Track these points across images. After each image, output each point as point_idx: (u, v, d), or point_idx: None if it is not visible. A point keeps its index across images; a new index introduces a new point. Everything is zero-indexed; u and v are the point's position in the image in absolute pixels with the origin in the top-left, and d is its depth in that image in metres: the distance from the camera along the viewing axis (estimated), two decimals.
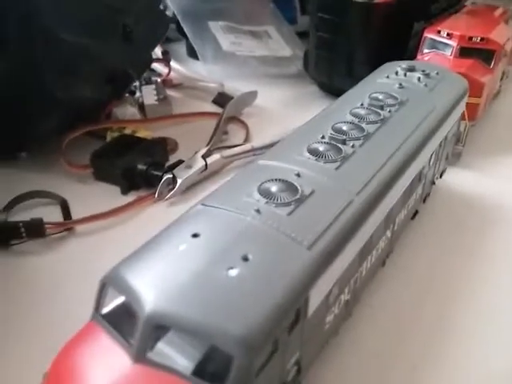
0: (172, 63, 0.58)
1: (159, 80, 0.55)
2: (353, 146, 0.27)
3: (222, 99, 0.54)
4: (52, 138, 0.44)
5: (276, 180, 0.24)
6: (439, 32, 0.46)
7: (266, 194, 0.23)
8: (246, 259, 0.19)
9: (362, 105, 0.32)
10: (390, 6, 0.49)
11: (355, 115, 0.30)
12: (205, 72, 0.58)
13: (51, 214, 0.38)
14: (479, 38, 0.44)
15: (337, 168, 0.26)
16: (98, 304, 0.20)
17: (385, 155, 0.28)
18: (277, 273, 0.20)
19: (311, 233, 0.22)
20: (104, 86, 0.44)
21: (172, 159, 0.45)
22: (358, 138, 0.28)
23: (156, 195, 0.40)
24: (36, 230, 0.35)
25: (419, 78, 0.35)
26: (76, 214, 0.38)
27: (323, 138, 0.28)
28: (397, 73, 0.36)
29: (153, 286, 0.18)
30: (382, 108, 0.31)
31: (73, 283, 0.33)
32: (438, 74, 0.37)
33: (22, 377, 0.26)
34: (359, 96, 0.33)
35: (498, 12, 0.51)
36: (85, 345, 0.19)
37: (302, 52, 0.61)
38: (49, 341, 0.28)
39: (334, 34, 0.50)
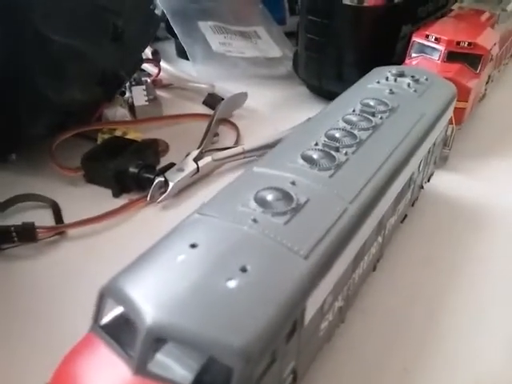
0: (162, 63, 0.57)
1: (149, 80, 0.55)
2: (346, 154, 0.28)
3: (212, 100, 0.54)
4: (43, 139, 0.44)
5: (272, 189, 0.24)
6: (427, 36, 0.46)
7: (262, 202, 0.23)
8: (244, 270, 0.20)
9: (353, 111, 0.32)
10: (378, 9, 0.49)
11: (347, 122, 0.31)
12: (194, 72, 0.58)
13: (43, 218, 0.38)
14: (467, 43, 0.45)
15: (331, 176, 0.26)
16: (97, 315, 0.20)
17: (377, 162, 0.28)
18: (275, 283, 0.20)
19: (307, 242, 0.22)
20: (95, 88, 0.44)
21: (163, 161, 0.45)
22: (350, 146, 0.29)
23: (148, 198, 0.40)
24: (28, 234, 0.35)
25: (409, 84, 0.36)
26: (67, 216, 0.38)
27: (317, 144, 0.28)
28: (387, 78, 0.37)
29: (152, 298, 0.19)
30: (373, 115, 0.32)
31: (65, 287, 0.33)
32: (427, 79, 0.37)
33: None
34: (351, 102, 0.34)
35: (484, 16, 0.52)
36: (85, 357, 0.19)
37: (291, 52, 0.62)
38: (41, 345, 0.29)
39: (323, 36, 0.51)
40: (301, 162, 0.27)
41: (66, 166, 0.43)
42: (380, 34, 0.51)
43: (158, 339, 0.18)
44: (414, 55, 0.48)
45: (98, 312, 0.20)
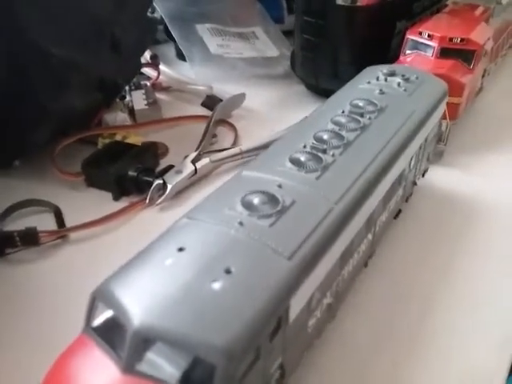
0: (161, 66, 0.58)
1: (148, 84, 0.56)
2: (333, 155, 0.29)
3: (210, 102, 0.54)
4: (45, 146, 0.45)
5: (258, 192, 0.25)
6: (420, 33, 0.47)
7: (248, 206, 0.24)
8: (228, 272, 0.21)
9: (343, 112, 0.33)
10: (372, 8, 0.49)
11: (336, 123, 0.32)
12: (193, 75, 0.59)
13: (45, 222, 0.39)
14: (459, 39, 0.45)
15: (317, 177, 0.27)
16: (89, 317, 0.21)
17: (364, 162, 0.29)
18: (258, 284, 0.21)
19: (291, 243, 0.23)
20: (93, 95, 0.45)
21: (163, 163, 0.46)
22: (338, 147, 0.29)
23: (147, 201, 0.41)
24: (30, 238, 0.37)
25: (399, 83, 0.36)
26: (69, 220, 0.39)
27: (305, 147, 0.29)
28: (378, 78, 0.37)
29: (140, 301, 0.19)
30: (362, 115, 0.32)
31: (68, 290, 0.34)
32: (417, 78, 0.38)
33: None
34: (341, 103, 0.34)
35: (478, 11, 0.52)
36: (76, 357, 0.20)
37: (289, 51, 0.62)
38: (45, 347, 0.30)
39: (318, 36, 0.51)
40: (289, 164, 0.28)
41: (67, 171, 0.44)
42: (374, 33, 0.51)
43: (145, 340, 0.19)
44: (408, 52, 0.48)
45: (90, 314, 0.21)
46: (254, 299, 0.20)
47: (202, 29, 0.60)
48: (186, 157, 0.45)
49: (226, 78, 0.59)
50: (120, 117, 0.50)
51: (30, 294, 0.34)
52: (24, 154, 0.45)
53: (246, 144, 0.47)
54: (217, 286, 0.20)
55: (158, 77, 0.57)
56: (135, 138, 0.48)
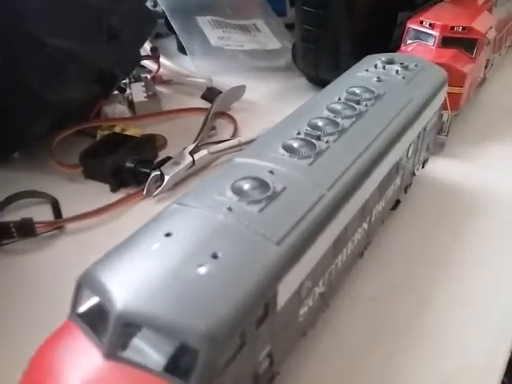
0: (161, 59, 0.58)
1: (149, 77, 0.56)
2: (327, 142, 0.28)
3: (210, 94, 0.54)
4: (43, 138, 0.45)
5: (249, 178, 0.25)
6: (421, 22, 0.46)
7: (238, 191, 0.24)
8: (215, 257, 0.20)
9: (339, 99, 0.32)
10: None
11: (331, 110, 0.31)
12: (194, 67, 0.59)
13: (42, 213, 0.39)
14: (461, 28, 0.45)
15: (310, 164, 0.26)
16: (75, 303, 0.21)
17: (358, 149, 0.28)
18: (244, 269, 0.20)
19: (281, 229, 0.22)
20: (91, 86, 0.45)
21: (161, 155, 0.46)
22: (332, 134, 0.29)
23: (144, 192, 0.41)
24: (26, 229, 0.36)
25: (397, 71, 0.36)
26: (67, 212, 0.39)
27: (299, 134, 0.29)
28: (376, 66, 0.37)
29: (124, 286, 0.19)
30: (358, 102, 0.32)
31: (64, 280, 0.33)
32: (416, 65, 0.37)
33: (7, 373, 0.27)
34: (337, 90, 0.34)
35: (481, 0, 0.51)
36: (60, 343, 0.19)
37: (290, 44, 0.62)
38: (38, 338, 0.30)
39: (319, 26, 0.51)
40: (281, 151, 0.27)
41: (65, 162, 0.44)
42: (376, 23, 0.51)
43: (127, 324, 0.18)
44: (409, 42, 0.47)
45: (76, 300, 0.21)
46: (240, 284, 0.20)
47: (203, 21, 0.59)
48: (184, 149, 0.45)
49: (227, 71, 0.58)
50: (119, 109, 0.50)
51: (26, 285, 0.34)
52: (23, 146, 0.45)
53: (245, 136, 0.47)
54: (203, 270, 0.20)
55: (158, 70, 0.57)
56: (134, 130, 0.48)
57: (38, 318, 0.31)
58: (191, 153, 0.44)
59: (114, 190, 0.42)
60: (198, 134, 0.47)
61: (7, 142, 0.44)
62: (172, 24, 0.58)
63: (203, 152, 0.44)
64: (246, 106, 0.55)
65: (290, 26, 0.67)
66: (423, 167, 0.41)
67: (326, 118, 0.30)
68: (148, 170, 0.42)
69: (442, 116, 0.44)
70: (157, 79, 0.58)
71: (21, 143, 0.45)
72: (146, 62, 0.58)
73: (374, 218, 0.32)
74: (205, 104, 0.54)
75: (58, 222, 0.38)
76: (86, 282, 0.20)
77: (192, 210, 0.23)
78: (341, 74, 0.38)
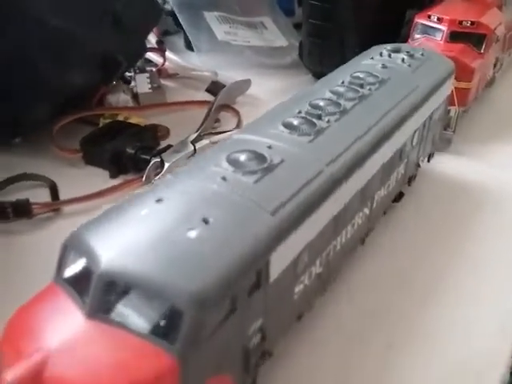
0: (167, 53, 0.58)
1: (154, 70, 0.55)
2: (328, 121, 0.27)
3: (215, 88, 0.54)
4: (45, 124, 0.44)
5: (245, 151, 0.24)
6: (429, 17, 0.46)
7: (234, 163, 0.23)
8: (206, 222, 0.20)
9: (342, 83, 0.32)
10: None
11: (334, 93, 0.31)
12: (200, 62, 0.58)
13: (40, 196, 0.39)
14: (469, 22, 0.44)
15: (310, 141, 0.26)
16: (60, 266, 0.20)
17: (360, 129, 0.28)
18: (236, 235, 0.20)
19: (276, 199, 0.22)
20: (94, 72, 0.44)
21: (163, 145, 0.45)
22: (333, 113, 0.28)
23: (143, 178, 0.40)
24: (22, 209, 0.36)
25: (403, 59, 0.35)
26: (64, 196, 0.39)
27: (299, 112, 0.28)
28: (381, 54, 0.36)
29: (110, 246, 0.19)
30: (361, 86, 0.31)
31: None
32: (422, 55, 0.37)
33: None
34: (341, 76, 0.33)
35: None
36: (42, 304, 0.19)
37: (297, 42, 0.61)
38: None
39: (325, 21, 0.50)
40: (281, 128, 0.27)
41: (65, 147, 0.43)
42: (383, 18, 0.50)
43: (111, 283, 0.18)
44: (416, 37, 0.47)
45: (61, 263, 0.20)
46: (231, 248, 0.19)
47: (210, 16, 0.59)
48: (186, 138, 0.44)
49: (232, 66, 0.58)
50: (123, 98, 0.49)
51: (19, 265, 0.33)
52: (24, 132, 0.45)
53: None
54: (193, 234, 0.19)
55: (163, 63, 0.57)
56: (137, 120, 0.48)
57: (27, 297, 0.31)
58: (193, 142, 0.43)
59: (113, 176, 0.42)
60: (201, 124, 0.46)
61: (8, 126, 0.43)
62: (179, 18, 0.58)
63: (205, 141, 0.44)
64: (250, 101, 0.54)
65: (297, 26, 0.66)
66: (429, 161, 0.41)
67: (328, 99, 0.30)
68: (148, 157, 0.41)
69: (449, 111, 0.43)
70: (162, 72, 0.57)
71: (22, 129, 0.44)
72: (151, 56, 0.58)
73: (375, 204, 0.31)
74: (209, 97, 0.54)
75: (55, 204, 0.37)
76: (72, 244, 0.20)
77: (185, 180, 0.23)
78: None
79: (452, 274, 0.33)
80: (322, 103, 0.29)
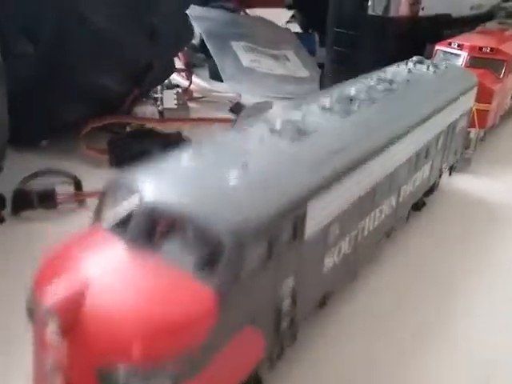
0: (194, 78, 0.60)
1: (180, 90, 0.57)
2: (358, 106, 0.28)
3: (238, 108, 0.55)
4: (73, 128, 0.45)
5: (283, 120, 0.25)
6: (450, 44, 0.47)
7: (272, 130, 0.24)
8: (245, 166, 0.20)
9: (371, 80, 0.33)
10: (403, 21, 0.51)
11: (363, 84, 0.31)
12: (224, 88, 0.60)
13: (64, 191, 0.39)
14: (489, 49, 0.46)
15: (342, 118, 0.26)
16: (100, 207, 0.20)
17: (389, 116, 0.28)
18: (276, 180, 0.20)
19: (313, 157, 0.22)
20: (127, 81, 0.46)
21: None
22: (364, 100, 0.29)
23: None
24: (48, 198, 0.36)
25: (428, 67, 0.36)
26: None
27: (331, 98, 0.29)
28: (406, 63, 0.38)
29: (155, 183, 0.19)
30: (390, 83, 0.32)
31: None
32: (446, 67, 0.38)
33: None
34: (367, 78, 0.34)
35: (509, 32, 0.53)
36: (81, 240, 0.19)
37: (318, 74, 0.63)
38: None
39: (349, 47, 0.52)
40: (314, 107, 0.27)
41: (92, 146, 0.44)
42: (405, 47, 0.52)
43: (153, 215, 0.18)
44: None
45: (102, 204, 0.20)
46: (270, 191, 0.19)
47: (237, 45, 0.62)
48: None
49: (256, 93, 0.60)
50: (149, 110, 0.51)
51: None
52: (53, 134, 0.46)
53: None
54: (233, 175, 0.19)
55: (190, 84, 0.59)
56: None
57: None
58: None
59: None
60: None
61: (39, 127, 0.45)
62: (207, 45, 0.61)
63: None
64: None
65: (318, 66, 0.69)
66: (450, 174, 0.41)
67: (358, 90, 0.30)
68: None
69: (469, 133, 0.44)
70: (188, 94, 0.59)
71: (51, 130, 0.45)
72: (178, 79, 0.60)
73: (401, 199, 0.31)
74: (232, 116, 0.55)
75: (80, 195, 0.38)
76: (117, 183, 0.20)
77: (226, 136, 0.23)
78: None
79: (472, 277, 0.32)
80: (352, 92, 0.30)
